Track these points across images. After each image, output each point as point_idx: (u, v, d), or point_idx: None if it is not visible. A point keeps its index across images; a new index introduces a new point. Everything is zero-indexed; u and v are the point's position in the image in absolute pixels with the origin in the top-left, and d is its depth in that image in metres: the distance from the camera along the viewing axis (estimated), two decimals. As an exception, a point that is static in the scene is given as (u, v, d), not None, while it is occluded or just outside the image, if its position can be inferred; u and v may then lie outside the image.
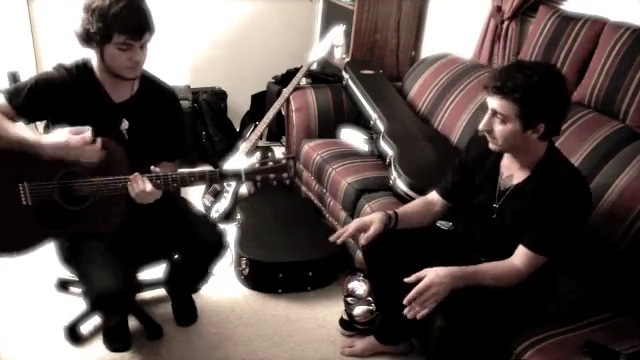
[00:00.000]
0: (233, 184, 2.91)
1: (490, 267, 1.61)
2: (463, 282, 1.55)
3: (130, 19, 1.60)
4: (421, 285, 1.54)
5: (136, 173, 1.67)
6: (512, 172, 1.69)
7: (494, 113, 1.56)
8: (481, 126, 1.61)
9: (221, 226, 1.95)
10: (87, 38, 1.63)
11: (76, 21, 1.62)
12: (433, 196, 1.92)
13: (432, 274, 1.54)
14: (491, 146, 1.64)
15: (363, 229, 1.77)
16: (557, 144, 2.06)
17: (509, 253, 1.63)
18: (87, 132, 1.63)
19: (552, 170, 1.60)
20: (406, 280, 1.57)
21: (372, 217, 1.79)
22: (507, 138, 1.56)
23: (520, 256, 1.60)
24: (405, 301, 1.55)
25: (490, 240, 1.73)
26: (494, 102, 1.54)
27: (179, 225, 1.89)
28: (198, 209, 1.98)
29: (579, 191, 1.57)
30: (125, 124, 1.80)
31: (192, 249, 1.90)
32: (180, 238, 1.88)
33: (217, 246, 1.91)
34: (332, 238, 1.81)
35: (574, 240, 1.66)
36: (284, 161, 1.72)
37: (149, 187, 1.66)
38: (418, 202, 1.94)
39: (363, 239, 1.76)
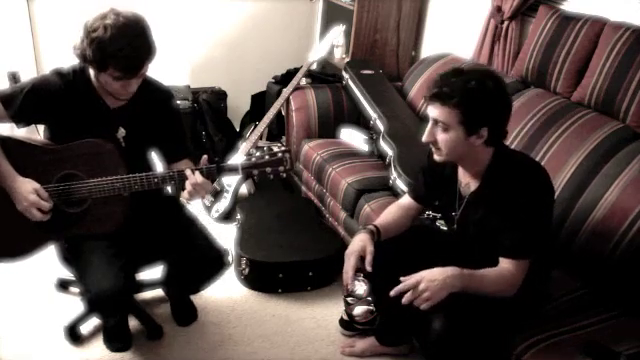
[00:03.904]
0: (233, 184, 2.91)
1: (486, 271, 1.56)
2: (461, 282, 1.51)
3: (128, 60, 1.56)
4: (410, 280, 1.51)
5: (187, 169, 1.68)
6: (468, 180, 1.67)
7: (435, 122, 1.53)
8: (424, 137, 1.58)
9: (224, 246, 1.92)
10: (83, 60, 1.61)
11: (76, 37, 1.60)
12: (406, 200, 1.91)
13: (425, 272, 1.52)
14: (436, 157, 1.61)
15: (361, 257, 1.72)
16: (558, 144, 2.08)
17: (475, 260, 1.60)
18: (47, 205, 1.66)
19: (502, 172, 1.57)
20: (401, 279, 1.54)
21: (362, 242, 1.73)
22: (451, 147, 1.54)
23: (508, 266, 1.56)
24: (392, 292, 1.53)
25: (453, 248, 1.72)
26: (434, 111, 1.52)
27: (181, 237, 1.88)
28: (204, 225, 1.96)
29: (537, 184, 1.55)
30: (121, 132, 1.78)
31: (191, 264, 1.88)
32: (180, 251, 1.87)
33: (217, 265, 1.90)
34: (346, 285, 1.73)
35: (549, 232, 1.64)
36: (280, 154, 1.72)
37: (200, 178, 1.67)
38: (393, 210, 1.90)
39: (368, 266, 1.69)
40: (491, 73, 1.55)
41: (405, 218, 1.88)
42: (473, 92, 1.46)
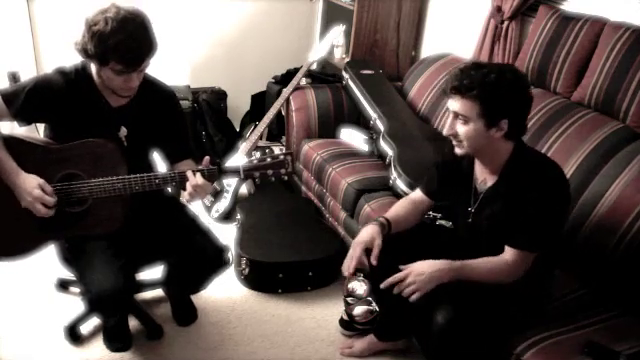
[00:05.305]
0: (233, 184, 2.91)
1: (480, 261, 1.61)
2: (449, 274, 1.56)
3: (129, 52, 1.56)
4: (399, 274, 1.58)
5: (188, 170, 1.68)
6: (485, 176, 1.68)
7: (456, 115, 1.56)
8: (445, 131, 1.61)
9: (225, 243, 1.92)
10: (85, 55, 1.62)
11: (78, 33, 1.60)
12: (417, 194, 1.91)
13: (415, 264, 1.58)
14: (457, 150, 1.63)
15: (367, 248, 1.73)
16: (558, 144, 2.08)
17: (489, 255, 1.62)
18: (52, 200, 1.66)
19: (520, 169, 1.59)
20: (400, 267, 1.61)
21: (371, 233, 1.74)
22: (472, 139, 1.56)
23: (508, 254, 1.59)
24: (382, 285, 1.60)
25: (468, 244, 1.73)
26: (454, 104, 1.55)
27: (182, 235, 1.88)
28: (205, 224, 1.96)
29: (553, 182, 1.58)
30: (123, 131, 1.78)
31: (191, 262, 1.88)
32: (181, 249, 1.87)
33: (217, 262, 1.90)
34: (344, 272, 1.76)
35: (559, 230, 1.66)
36: (282, 157, 1.72)
37: (200, 180, 1.66)
38: (404, 204, 1.91)
39: (373, 259, 1.70)
40: (511, 67, 1.59)
41: (415, 212, 1.88)
42: (492, 84, 1.49)
